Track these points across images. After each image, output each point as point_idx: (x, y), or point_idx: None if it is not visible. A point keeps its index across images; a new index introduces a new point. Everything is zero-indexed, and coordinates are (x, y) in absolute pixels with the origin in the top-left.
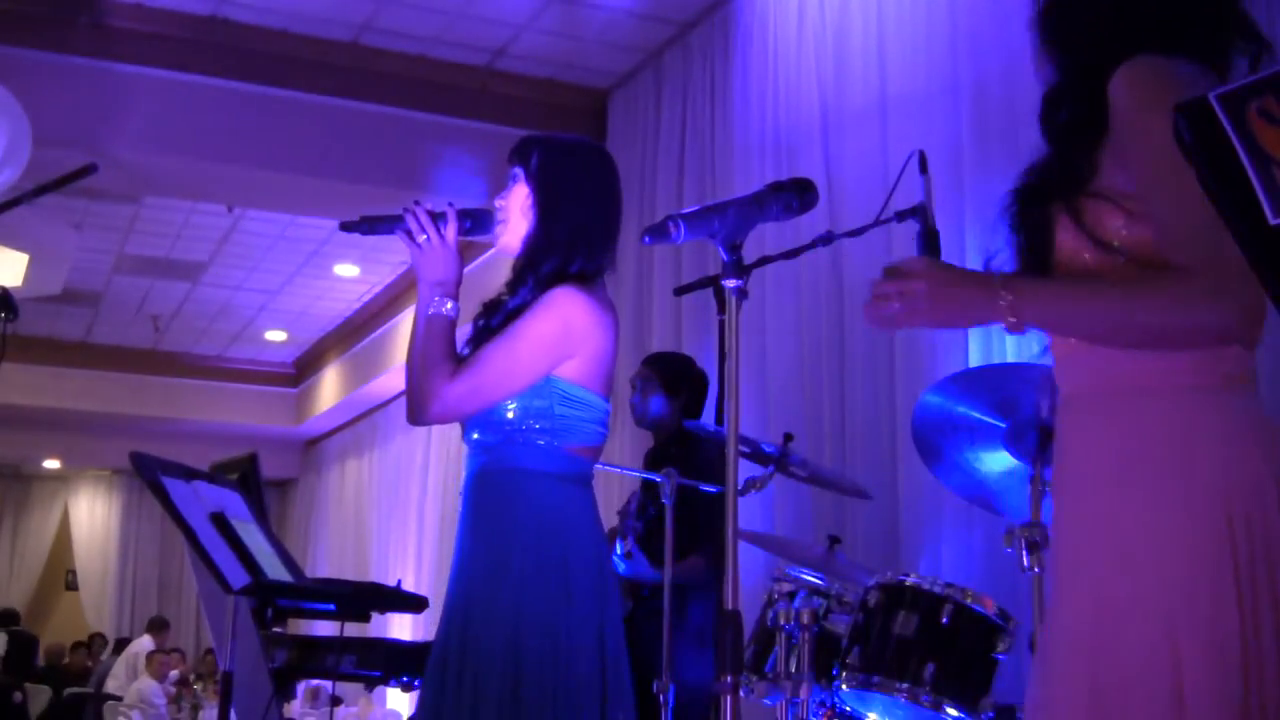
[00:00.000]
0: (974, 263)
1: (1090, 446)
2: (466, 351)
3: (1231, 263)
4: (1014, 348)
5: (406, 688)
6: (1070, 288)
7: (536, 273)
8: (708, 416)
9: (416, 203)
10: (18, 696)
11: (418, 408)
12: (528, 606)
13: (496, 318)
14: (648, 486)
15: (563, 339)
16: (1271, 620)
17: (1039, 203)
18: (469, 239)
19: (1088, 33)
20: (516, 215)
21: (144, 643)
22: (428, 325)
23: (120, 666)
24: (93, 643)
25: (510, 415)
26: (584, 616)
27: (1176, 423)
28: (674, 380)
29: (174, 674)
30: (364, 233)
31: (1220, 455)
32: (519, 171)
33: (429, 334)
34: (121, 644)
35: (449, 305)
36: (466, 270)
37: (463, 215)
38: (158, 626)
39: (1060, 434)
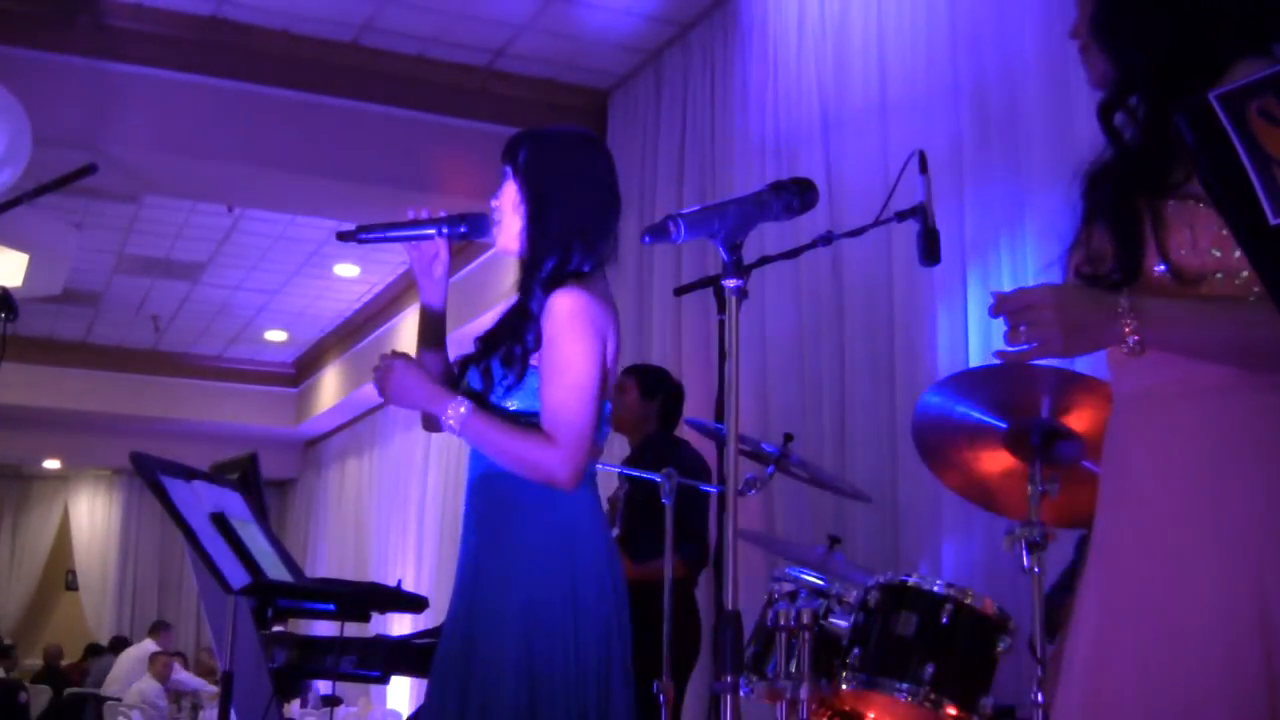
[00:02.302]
0: (975, 263)
1: (1159, 444)
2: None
3: None
4: None
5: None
6: (1197, 309)
7: (538, 273)
8: (707, 416)
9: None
10: (23, 697)
11: (553, 483)
12: (536, 609)
13: (526, 333)
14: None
15: (599, 335)
16: None
17: (1129, 200)
18: (467, 241)
19: (1170, 26)
20: (510, 215)
21: (146, 645)
22: (468, 435)
23: (121, 668)
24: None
25: (513, 407)
26: (591, 617)
27: (1244, 421)
28: (651, 385)
29: (183, 676)
30: (359, 243)
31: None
32: (508, 169)
33: (480, 438)
34: (118, 643)
35: (460, 409)
36: (466, 272)
37: (457, 219)
38: (159, 629)
39: (1121, 432)
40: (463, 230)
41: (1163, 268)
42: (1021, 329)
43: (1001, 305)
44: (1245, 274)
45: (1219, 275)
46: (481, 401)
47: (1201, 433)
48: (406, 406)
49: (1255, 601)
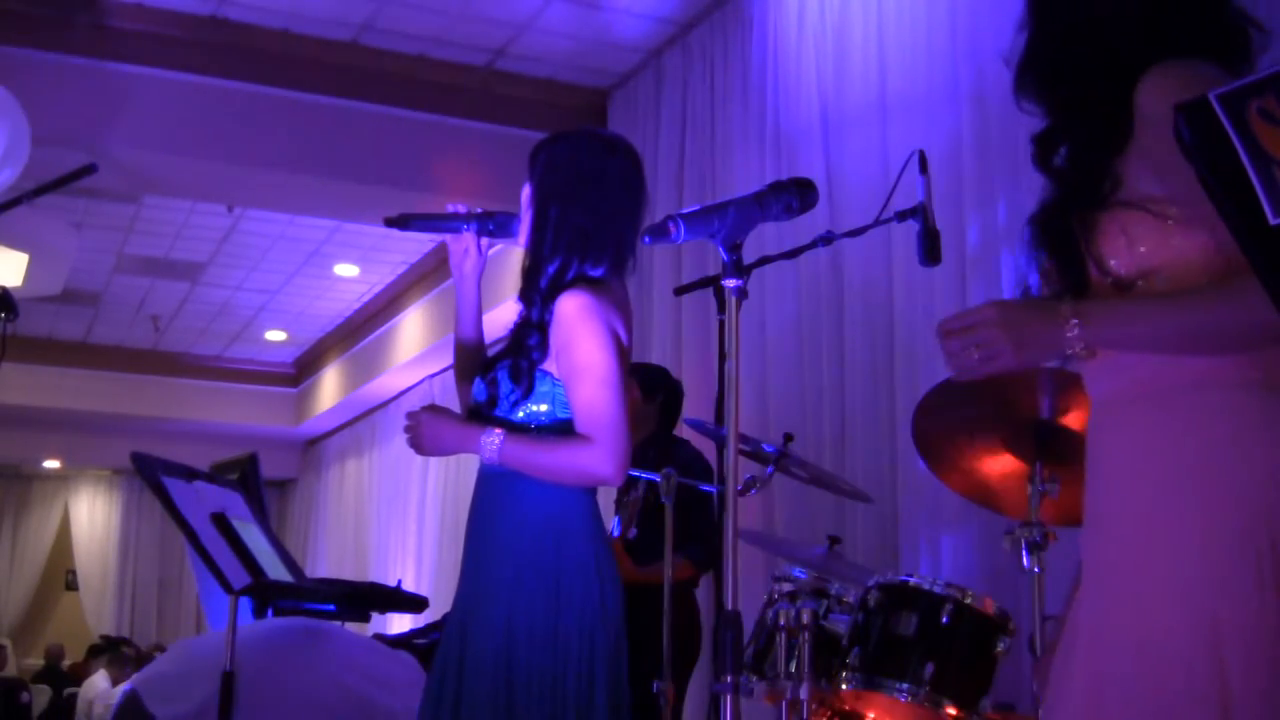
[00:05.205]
0: (976, 263)
1: (1131, 448)
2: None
3: None
4: None
5: None
6: (1140, 305)
7: (539, 280)
8: (707, 416)
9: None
10: (25, 696)
11: (602, 481)
12: (519, 615)
13: (531, 344)
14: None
15: (610, 329)
16: None
17: (1061, 220)
18: (494, 239)
19: (1093, 56)
20: (527, 218)
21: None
22: (508, 462)
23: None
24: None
25: (520, 416)
26: (574, 618)
27: (1217, 420)
28: (651, 385)
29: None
30: (402, 229)
31: (1264, 450)
32: (529, 173)
33: (520, 462)
34: (115, 643)
35: (494, 441)
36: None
37: (486, 217)
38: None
39: (1096, 438)
40: (490, 228)
41: (1105, 274)
42: (971, 348)
43: (948, 332)
44: (1183, 267)
45: (1157, 275)
46: (486, 415)
47: (1163, 438)
48: (442, 454)
49: (1208, 615)
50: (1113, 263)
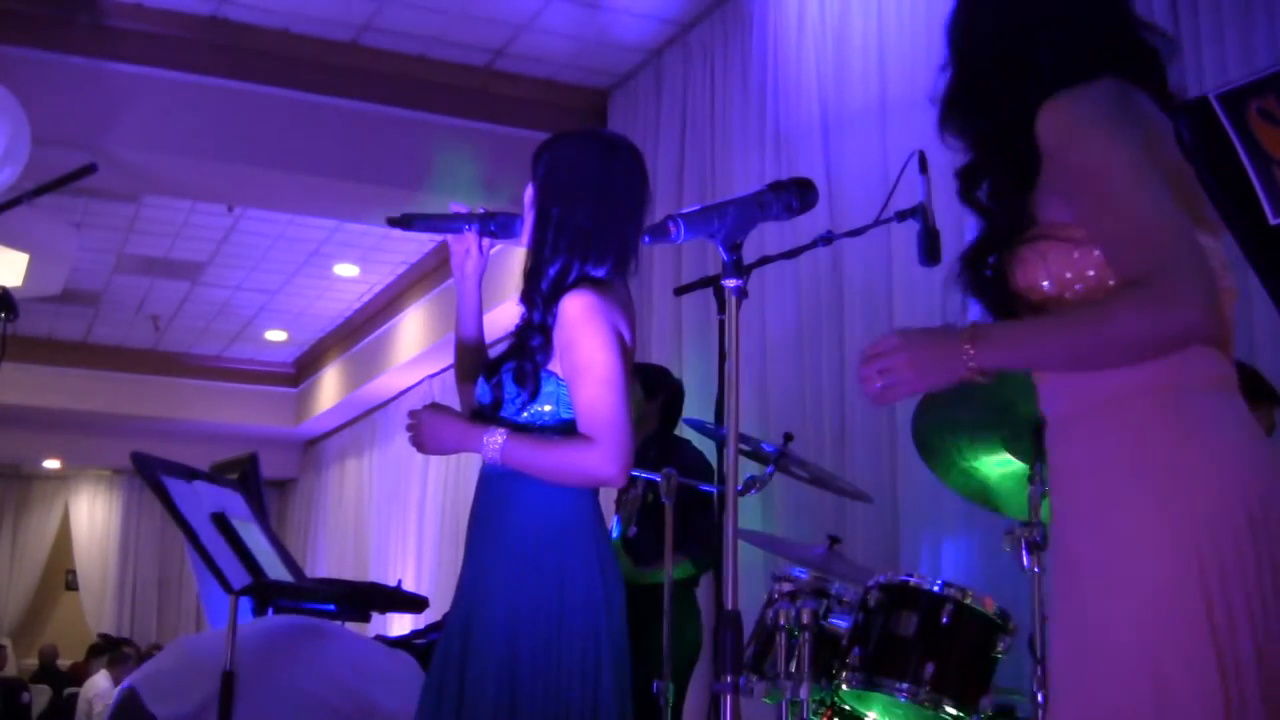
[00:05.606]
0: None
1: (1072, 468)
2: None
3: (1181, 262)
4: None
5: None
6: (1030, 325)
7: (540, 282)
8: (707, 416)
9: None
10: (26, 696)
11: (605, 482)
12: (523, 615)
13: (534, 345)
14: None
15: (613, 328)
16: (1248, 625)
17: (985, 258)
18: (496, 239)
19: (1004, 91)
20: (529, 218)
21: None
22: (510, 462)
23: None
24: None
25: (525, 417)
26: (579, 620)
27: (1144, 435)
28: (652, 385)
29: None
30: (405, 229)
31: (1191, 469)
32: (531, 173)
33: (521, 462)
34: (116, 643)
35: (497, 439)
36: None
37: (488, 217)
38: (116, 661)
39: (1050, 456)
40: (491, 229)
41: (1028, 304)
42: (875, 376)
43: (862, 361)
44: (1092, 284)
45: (1071, 294)
46: (491, 417)
47: (1103, 450)
48: (443, 453)
49: (1136, 629)
50: (1035, 290)
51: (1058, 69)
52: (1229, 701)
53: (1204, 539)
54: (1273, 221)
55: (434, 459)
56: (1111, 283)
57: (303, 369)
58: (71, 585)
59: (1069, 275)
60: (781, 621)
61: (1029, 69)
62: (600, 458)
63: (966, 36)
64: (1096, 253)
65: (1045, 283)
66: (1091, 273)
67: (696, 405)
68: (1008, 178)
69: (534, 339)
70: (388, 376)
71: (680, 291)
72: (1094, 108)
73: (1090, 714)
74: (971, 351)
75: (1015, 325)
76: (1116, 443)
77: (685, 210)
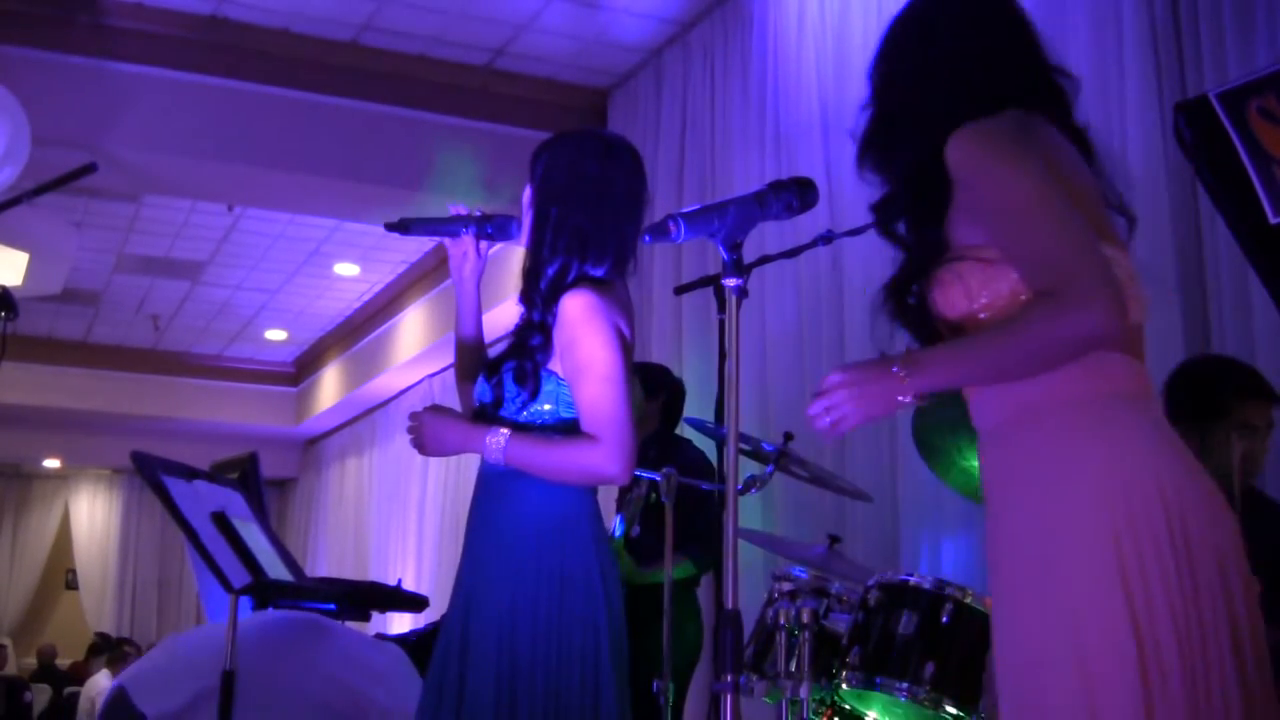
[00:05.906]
0: None
1: (998, 480)
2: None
3: (1086, 272)
4: None
5: None
6: (956, 346)
7: (539, 283)
8: (707, 416)
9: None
10: (28, 696)
11: (608, 480)
12: (522, 612)
13: (534, 345)
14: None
15: (613, 326)
16: (1168, 619)
17: (908, 286)
18: (494, 241)
19: (916, 127)
20: (528, 219)
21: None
22: (513, 462)
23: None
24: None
25: (525, 417)
26: (579, 618)
27: (1063, 443)
28: (653, 384)
29: None
30: (402, 233)
31: (1104, 468)
32: (530, 174)
33: (524, 462)
34: (115, 642)
35: (499, 439)
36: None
37: (485, 219)
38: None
39: (980, 469)
40: (488, 230)
41: (947, 324)
42: (823, 412)
43: (814, 398)
44: (1007, 300)
45: (988, 313)
46: (492, 417)
47: (1013, 463)
48: (444, 454)
49: (1072, 640)
50: (952, 311)
51: (965, 105)
52: (1149, 693)
53: (1124, 537)
54: (1273, 221)
55: (434, 459)
56: (1024, 298)
57: (303, 368)
58: (71, 585)
59: (985, 293)
60: (781, 621)
61: (938, 106)
62: (604, 456)
63: (883, 79)
64: (1008, 270)
65: (964, 301)
66: (1005, 289)
67: (697, 405)
68: (923, 208)
69: (534, 338)
70: (388, 376)
71: (680, 291)
72: (998, 137)
73: (1030, 716)
74: (905, 378)
75: (942, 348)
76: (1038, 450)
77: (685, 209)
